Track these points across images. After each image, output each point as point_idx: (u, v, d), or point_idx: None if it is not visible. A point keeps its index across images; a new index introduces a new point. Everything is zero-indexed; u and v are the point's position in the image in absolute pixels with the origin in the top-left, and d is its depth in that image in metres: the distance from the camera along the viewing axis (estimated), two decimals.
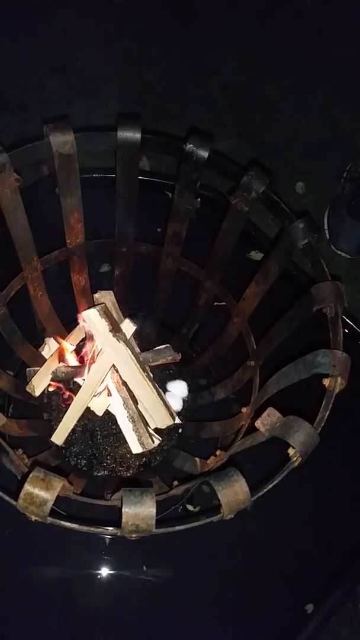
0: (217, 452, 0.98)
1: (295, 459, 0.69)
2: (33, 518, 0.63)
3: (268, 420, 0.71)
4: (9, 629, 1.02)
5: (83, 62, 1.84)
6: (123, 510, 0.60)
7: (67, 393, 1.12)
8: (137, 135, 0.87)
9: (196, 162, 0.88)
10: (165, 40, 1.89)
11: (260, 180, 0.86)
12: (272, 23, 1.91)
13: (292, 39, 1.89)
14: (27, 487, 0.60)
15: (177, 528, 0.64)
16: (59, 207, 0.99)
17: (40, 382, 1.07)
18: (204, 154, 0.87)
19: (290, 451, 0.69)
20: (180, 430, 1.14)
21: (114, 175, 1.26)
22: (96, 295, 1.14)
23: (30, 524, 1.01)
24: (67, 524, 0.62)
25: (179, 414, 1.14)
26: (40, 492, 0.60)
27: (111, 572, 1.06)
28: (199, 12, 1.93)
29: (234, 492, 0.63)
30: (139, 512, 0.61)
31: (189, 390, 1.17)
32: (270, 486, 0.67)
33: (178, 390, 1.18)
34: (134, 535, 0.63)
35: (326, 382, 0.74)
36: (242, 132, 1.76)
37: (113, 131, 0.87)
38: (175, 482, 0.95)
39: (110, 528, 0.63)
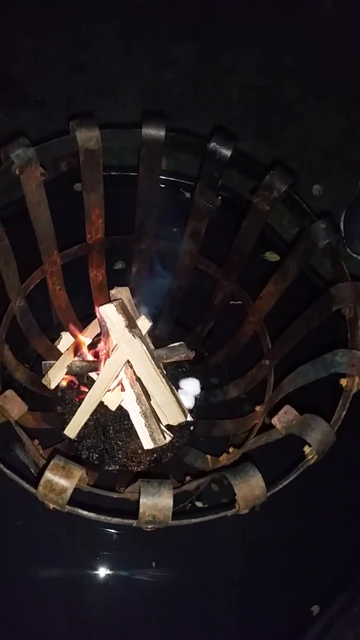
0: (230, 450, 0.98)
1: (311, 457, 0.69)
2: (51, 506, 0.64)
3: (285, 418, 0.71)
4: (9, 628, 1.02)
5: (103, 61, 1.86)
6: (141, 500, 0.61)
7: (82, 387, 1.13)
8: (162, 133, 0.87)
9: (219, 160, 0.89)
10: (185, 40, 1.90)
11: (282, 180, 0.87)
12: (291, 25, 1.91)
13: (311, 41, 1.90)
14: (48, 475, 0.61)
15: (194, 521, 0.64)
16: (75, 204, 1.00)
17: (56, 376, 1.08)
18: (227, 152, 0.88)
19: (306, 449, 0.69)
20: (191, 428, 1.15)
21: (131, 174, 1.28)
22: (112, 291, 1.14)
23: (34, 520, 1.04)
24: (85, 513, 0.63)
25: (190, 411, 1.15)
26: (61, 480, 0.61)
27: (114, 571, 1.07)
28: (218, 12, 1.94)
29: (250, 487, 0.64)
30: (157, 503, 0.61)
31: (202, 388, 1.18)
32: (285, 482, 0.68)
33: (190, 388, 1.18)
34: (149, 527, 0.64)
35: (344, 381, 0.74)
36: (260, 133, 1.76)
37: (138, 128, 0.88)
38: (188, 478, 0.95)
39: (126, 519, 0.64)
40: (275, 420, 0.71)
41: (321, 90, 1.83)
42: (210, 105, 1.82)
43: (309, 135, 1.77)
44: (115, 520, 0.63)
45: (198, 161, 1.00)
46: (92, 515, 0.64)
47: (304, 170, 1.68)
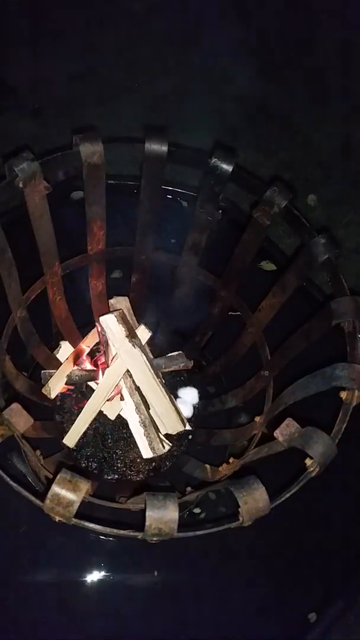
0: (230, 460, 0.99)
1: (312, 469, 0.70)
2: (57, 519, 0.64)
3: (287, 431, 0.73)
4: (7, 633, 1.03)
5: (99, 70, 1.87)
6: (147, 513, 0.62)
7: (81, 396, 1.14)
8: (164, 148, 0.89)
9: (220, 175, 0.90)
10: (181, 49, 1.92)
11: (282, 196, 0.88)
12: (287, 35, 1.94)
13: (307, 51, 1.92)
14: (55, 488, 0.62)
15: (198, 533, 0.65)
16: (72, 212, 1.01)
17: (56, 385, 1.09)
18: (228, 168, 0.90)
19: (308, 461, 0.71)
20: (190, 437, 1.15)
21: (128, 183, 1.28)
22: (112, 301, 1.15)
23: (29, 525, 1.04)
24: (92, 526, 0.64)
25: (189, 420, 1.16)
26: (68, 494, 0.62)
27: (109, 576, 1.07)
28: (215, 21, 1.96)
29: (254, 500, 0.65)
30: (162, 515, 0.62)
31: (200, 398, 1.19)
32: (287, 495, 0.69)
33: (189, 397, 1.19)
34: (155, 539, 0.65)
35: (343, 394, 0.75)
36: (255, 143, 1.79)
37: (140, 142, 0.89)
38: (189, 489, 0.96)
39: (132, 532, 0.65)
40: (277, 433, 0.72)
41: (317, 101, 1.86)
42: (206, 115, 1.84)
43: (304, 145, 1.79)
44: (121, 532, 0.64)
45: (196, 171, 1.02)
46: (98, 527, 0.64)
47: (300, 179, 1.71)
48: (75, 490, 0.62)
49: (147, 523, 0.62)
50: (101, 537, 1.06)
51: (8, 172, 0.83)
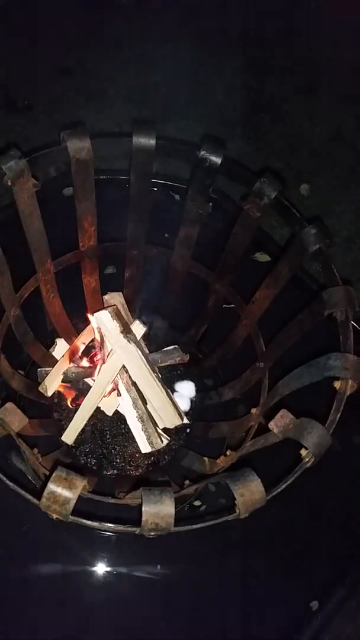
0: (228, 452, 1.00)
1: (307, 459, 0.70)
2: (54, 516, 0.65)
3: (281, 422, 0.73)
4: (8, 628, 1.03)
5: (89, 64, 1.86)
6: (143, 508, 0.62)
7: (78, 393, 1.14)
8: (152, 142, 0.88)
9: (209, 167, 0.90)
10: (171, 41, 1.91)
11: (272, 187, 0.88)
12: (276, 25, 1.92)
13: (297, 41, 1.91)
14: (51, 486, 0.62)
15: (195, 526, 0.66)
16: (64, 208, 1.00)
17: (52, 383, 1.09)
18: (217, 160, 0.89)
19: (303, 452, 0.71)
20: (188, 430, 1.16)
21: (120, 177, 1.28)
22: (106, 297, 1.15)
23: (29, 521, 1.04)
24: (88, 522, 0.64)
25: (186, 414, 1.16)
26: (64, 491, 0.62)
27: (112, 569, 1.07)
28: (203, 13, 1.95)
29: (250, 492, 0.65)
30: (159, 510, 0.62)
31: (197, 391, 1.19)
32: (283, 486, 0.69)
33: (186, 391, 1.19)
34: (152, 534, 0.65)
35: (337, 384, 0.76)
36: (247, 134, 1.78)
37: (128, 137, 0.89)
38: (187, 482, 0.96)
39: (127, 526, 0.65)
40: (272, 425, 0.73)
41: (308, 90, 1.85)
42: (197, 106, 1.83)
43: (296, 135, 1.78)
44: (118, 528, 0.64)
45: (187, 163, 1.01)
46: (95, 524, 0.65)
47: (292, 169, 1.70)
48: (71, 487, 0.62)
49: (143, 518, 0.62)
50: (103, 532, 1.07)
51: None
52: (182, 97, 1.84)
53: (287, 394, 0.87)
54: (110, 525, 0.65)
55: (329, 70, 1.84)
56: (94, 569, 1.07)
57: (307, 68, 1.86)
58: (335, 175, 1.68)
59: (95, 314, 1.04)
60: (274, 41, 1.90)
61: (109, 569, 1.07)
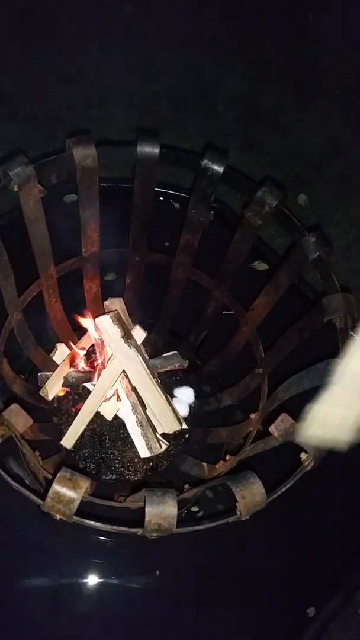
0: (227, 457, 1.01)
1: (307, 463, 0.72)
2: (58, 517, 0.65)
3: (282, 426, 0.74)
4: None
5: (91, 73, 1.88)
6: (146, 509, 0.63)
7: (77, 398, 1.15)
8: (156, 150, 0.90)
9: (211, 176, 0.92)
10: (171, 51, 1.93)
11: (273, 195, 0.90)
12: (276, 34, 1.95)
13: (294, 52, 1.94)
14: (55, 487, 0.63)
15: (197, 528, 0.67)
16: (65, 216, 1.02)
17: (53, 387, 1.10)
18: (220, 169, 0.91)
19: (303, 455, 0.72)
20: (186, 436, 1.17)
21: (120, 185, 1.29)
22: (106, 303, 1.16)
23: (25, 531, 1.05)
24: (92, 523, 0.65)
25: (185, 419, 1.17)
26: (68, 492, 0.63)
27: (107, 579, 1.08)
28: (203, 23, 1.98)
29: (251, 494, 0.66)
30: (161, 511, 0.63)
31: (196, 397, 1.20)
32: (284, 489, 0.70)
33: (185, 396, 1.20)
34: (154, 535, 0.66)
35: None
36: (245, 143, 1.80)
37: (133, 145, 0.90)
38: (187, 486, 0.97)
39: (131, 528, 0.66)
40: (272, 428, 0.74)
41: (306, 100, 1.88)
42: (197, 117, 1.85)
43: (294, 145, 1.81)
44: (121, 529, 0.65)
45: (187, 172, 1.02)
46: (98, 524, 0.65)
47: (290, 179, 1.72)
48: (75, 487, 0.63)
49: (146, 519, 0.63)
50: (100, 537, 1.07)
51: (3, 177, 0.85)
52: (182, 107, 1.86)
53: (286, 400, 0.89)
54: (114, 526, 0.65)
55: (327, 81, 1.87)
56: (87, 580, 1.07)
57: (305, 79, 1.89)
58: (332, 185, 1.70)
59: (97, 319, 1.05)
60: (273, 52, 1.93)
61: (101, 580, 1.08)
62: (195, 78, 1.91)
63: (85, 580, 1.07)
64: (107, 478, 1.11)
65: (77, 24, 1.91)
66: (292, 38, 1.95)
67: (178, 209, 1.47)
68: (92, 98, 1.84)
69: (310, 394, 0.83)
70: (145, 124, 1.77)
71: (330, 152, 1.79)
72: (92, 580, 1.07)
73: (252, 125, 1.84)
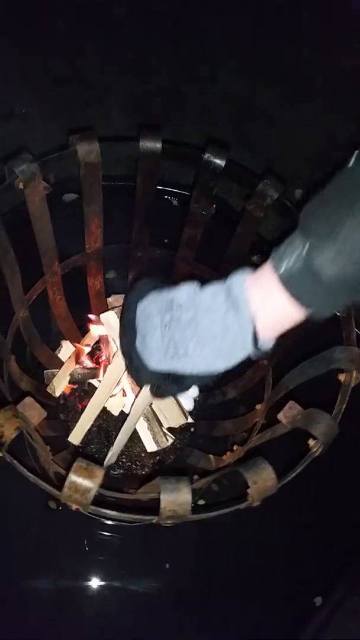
0: (235, 448, 1.02)
1: (315, 449, 0.73)
2: (74, 507, 0.66)
3: (289, 413, 0.75)
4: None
5: (84, 73, 1.89)
6: (161, 496, 0.64)
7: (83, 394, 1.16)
8: (158, 145, 0.91)
9: (213, 170, 0.93)
10: (165, 50, 1.94)
11: (275, 188, 0.91)
12: (270, 32, 1.96)
13: (290, 48, 1.95)
14: (72, 477, 0.64)
15: (211, 514, 0.68)
16: (63, 215, 1.02)
17: (60, 384, 1.11)
18: (221, 162, 0.92)
19: (311, 442, 0.73)
20: (192, 429, 1.18)
21: (119, 184, 1.31)
22: (110, 299, 1.18)
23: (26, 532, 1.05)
24: (108, 512, 0.66)
25: (190, 413, 1.18)
26: (84, 481, 0.64)
27: (110, 578, 1.09)
28: (197, 20, 1.98)
29: (262, 479, 0.67)
30: (176, 498, 0.64)
31: (200, 390, 1.21)
32: (294, 474, 0.72)
33: (189, 391, 1.21)
34: (169, 522, 0.67)
35: (342, 377, 0.78)
36: (241, 140, 1.81)
37: (135, 140, 0.91)
38: (196, 477, 0.98)
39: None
40: (280, 416, 0.75)
41: (301, 96, 1.89)
42: (192, 114, 1.86)
43: (290, 140, 1.82)
44: (137, 517, 0.66)
45: (185, 169, 1.03)
46: (114, 513, 0.66)
47: (286, 175, 1.73)
48: (91, 477, 0.64)
49: (161, 505, 0.64)
50: (105, 534, 1.08)
51: (8, 174, 0.85)
52: (176, 104, 1.87)
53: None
54: (130, 515, 0.66)
55: (323, 77, 1.88)
56: (90, 581, 1.09)
57: (300, 75, 1.90)
58: (329, 180, 1.71)
59: (102, 315, 1.06)
60: (267, 48, 1.94)
61: (105, 576, 1.09)
62: (189, 75, 1.92)
63: (89, 582, 1.08)
64: (115, 473, 1.12)
65: (70, 24, 1.91)
66: (287, 32, 1.96)
67: (176, 205, 1.48)
68: (87, 98, 1.85)
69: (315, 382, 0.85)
70: (139, 122, 1.78)
71: (327, 147, 1.80)
72: (95, 581, 1.08)
73: (247, 122, 1.85)
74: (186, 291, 0.56)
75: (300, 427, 0.73)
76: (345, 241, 0.41)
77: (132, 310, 0.59)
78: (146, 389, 0.90)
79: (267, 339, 0.53)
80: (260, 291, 0.50)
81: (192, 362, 0.53)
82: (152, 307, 0.57)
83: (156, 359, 0.56)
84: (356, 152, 0.45)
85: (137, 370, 0.59)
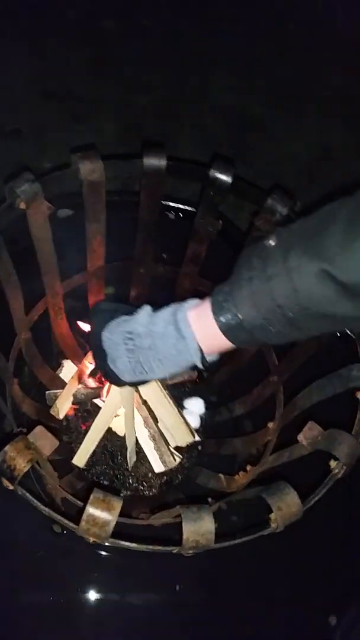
0: (248, 468, 0.99)
1: (337, 470, 0.71)
2: (91, 540, 0.63)
3: (310, 434, 0.73)
4: None
5: (76, 87, 1.87)
6: (184, 526, 0.62)
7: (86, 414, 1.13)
8: (163, 162, 0.89)
9: (219, 186, 0.91)
10: (157, 64, 1.94)
11: (283, 203, 0.90)
12: (261, 44, 1.97)
13: (281, 60, 1.96)
14: (90, 509, 0.61)
15: (234, 542, 0.65)
16: (58, 231, 1.01)
17: (63, 405, 1.08)
18: (228, 179, 0.91)
19: (332, 463, 0.71)
20: (199, 447, 1.15)
21: (115, 199, 1.29)
22: None
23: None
24: (127, 544, 0.63)
25: (197, 431, 1.16)
26: (102, 514, 0.61)
27: (114, 594, 1.06)
28: (188, 34, 1.99)
29: (287, 505, 0.65)
30: (199, 527, 0.62)
31: (206, 407, 1.19)
32: (316, 498, 0.70)
33: (195, 408, 1.19)
34: (190, 552, 0.64)
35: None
36: (235, 153, 1.80)
37: (139, 158, 0.90)
38: (210, 499, 0.96)
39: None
40: (301, 437, 0.73)
41: (294, 109, 1.89)
42: (185, 127, 1.86)
43: (283, 153, 1.82)
44: (157, 548, 0.64)
45: (183, 182, 1.01)
46: (133, 545, 0.64)
47: (282, 187, 1.73)
48: (110, 509, 0.62)
49: (184, 536, 0.62)
50: (101, 552, 1.05)
51: (9, 195, 0.83)
52: (169, 118, 1.87)
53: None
54: (149, 546, 0.64)
55: (316, 88, 1.89)
56: (88, 595, 1.05)
57: (292, 87, 1.91)
58: (325, 192, 1.71)
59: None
60: (260, 60, 1.94)
61: (107, 593, 1.05)
62: (181, 89, 1.92)
63: (87, 595, 1.05)
64: (122, 495, 1.09)
65: (60, 39, 1.91)
66: (278, 44, 1.97)
67: (173, 219, 1.47)
68: (78, 112, 1.83)
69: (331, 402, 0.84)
70: (133, 138, 1.76)
71: (320, 159, 1.81)
72: (93, 595, 1.05)
73: (240, 134, 1.85)
74: (141, 322, 0.67)
75: (322, 449, 0.71)
76: (251, 303, 0.56)
77: (98, 339, 0.71)
78: (116, 388, 0.98)
79: (213, 356, 0.67)
80: (202, 328, 0.62)
81: (156, 374, 0.68)
82: (116, 337, 0.69)
83: (127, 377, 0.70)
84: (277, 229, 0.58)
85: (114, 381, 0.73)
